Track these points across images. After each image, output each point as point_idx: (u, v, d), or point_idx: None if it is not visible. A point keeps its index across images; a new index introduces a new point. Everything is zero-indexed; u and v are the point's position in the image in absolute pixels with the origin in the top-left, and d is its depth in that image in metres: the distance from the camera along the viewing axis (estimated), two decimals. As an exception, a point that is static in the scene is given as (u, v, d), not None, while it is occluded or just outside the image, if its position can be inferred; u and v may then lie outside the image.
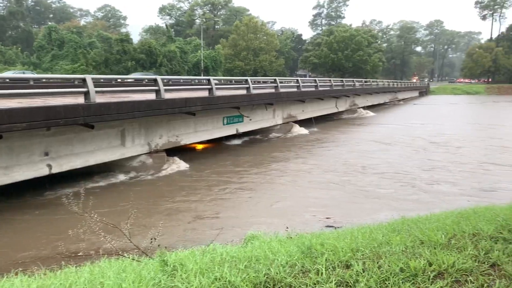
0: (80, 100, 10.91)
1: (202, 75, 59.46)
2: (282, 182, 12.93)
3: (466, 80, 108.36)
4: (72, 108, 10.24)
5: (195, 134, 16.41)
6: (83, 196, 4.92)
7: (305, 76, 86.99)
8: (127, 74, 46.26)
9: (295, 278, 3.07)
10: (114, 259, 4.49)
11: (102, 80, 21.13)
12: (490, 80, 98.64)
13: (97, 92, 11.14)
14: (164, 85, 14.53)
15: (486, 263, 3.26)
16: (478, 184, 12.48)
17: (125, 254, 4.59)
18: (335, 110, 33.51)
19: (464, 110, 49.34)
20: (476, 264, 3.23)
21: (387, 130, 26.97)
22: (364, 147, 19.52)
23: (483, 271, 3.11)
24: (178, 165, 14.48)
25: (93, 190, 11.49)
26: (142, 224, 8.43)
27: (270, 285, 3.01)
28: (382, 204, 10.38)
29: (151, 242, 4.65)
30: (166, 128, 14.75)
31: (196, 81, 26.34)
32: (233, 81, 26.69)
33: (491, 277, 3.03)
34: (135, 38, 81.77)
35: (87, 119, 10.55)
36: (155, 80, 13.61)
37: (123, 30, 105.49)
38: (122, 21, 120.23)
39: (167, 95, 13.78)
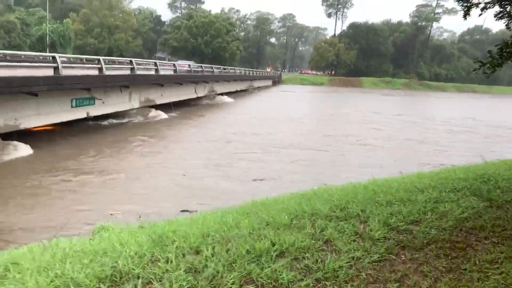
0: None
1: (48, 51, 53.51)
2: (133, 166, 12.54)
3: (313, 72, 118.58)
4: None
5: (38, 117, 14.77)
6: None
7: (164, 59, 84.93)
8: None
9: (144, 269, 3.01)
10: None
11: None
12: (333, 72, 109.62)
13: None
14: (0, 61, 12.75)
15: (321, 240, 3.62)
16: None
17: None
18: (194, 96, 33.52)
19: (310, 98, 54.11)
20: (313, 241, 3.56)
21: (244, 116, 28.12)
22: (221, 134, 20.03)
23: (318, 248, 3.46)
24: (19, 151, 12.93)
25: None
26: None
27: (117, 278, 2.89)
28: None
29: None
30: (1, 110, 12.96)
31: (41, 57, 23.55)
32: (84, 60, 24.63)
33: (324, 252, 3.38)
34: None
35: None
36: (-14, 54, 11.83)
37: None
38: None
39: (2, 72, 12.11)
